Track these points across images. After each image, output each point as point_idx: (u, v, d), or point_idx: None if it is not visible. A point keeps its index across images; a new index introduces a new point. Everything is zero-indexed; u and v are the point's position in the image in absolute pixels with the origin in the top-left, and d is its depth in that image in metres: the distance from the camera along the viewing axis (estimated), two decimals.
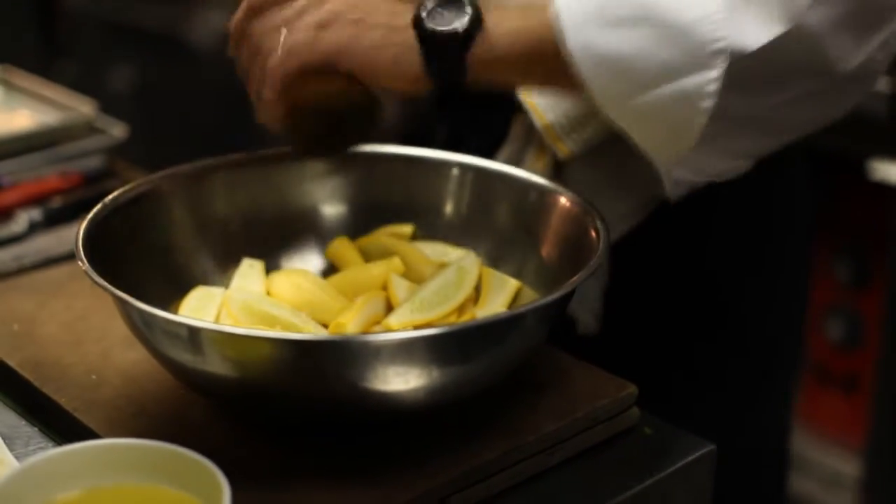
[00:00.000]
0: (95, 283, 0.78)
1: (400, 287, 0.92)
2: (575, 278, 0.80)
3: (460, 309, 0.90)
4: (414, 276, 0.94)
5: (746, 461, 1.18)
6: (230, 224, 0.97)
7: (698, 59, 0.84)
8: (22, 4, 2.92)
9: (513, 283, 0.92)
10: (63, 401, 0.85)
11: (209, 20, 2.62)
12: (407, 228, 1.00)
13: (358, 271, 0.95)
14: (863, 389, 1.98)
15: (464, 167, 0.99)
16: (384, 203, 1.01)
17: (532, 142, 1.04)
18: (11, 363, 0.90)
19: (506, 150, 1.06)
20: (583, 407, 0.84)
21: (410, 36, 0.88)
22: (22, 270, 1.07)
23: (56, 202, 1.20)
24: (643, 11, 0.85)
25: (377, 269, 0.94)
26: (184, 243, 0.94)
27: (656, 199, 1.02)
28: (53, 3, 2.97)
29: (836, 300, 2.01)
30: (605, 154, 1.01)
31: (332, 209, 1.01)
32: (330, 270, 0.98)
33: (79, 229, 0.84)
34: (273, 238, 0.99)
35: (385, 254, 0.96)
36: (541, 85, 0.97)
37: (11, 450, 0.82)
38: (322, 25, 0.88)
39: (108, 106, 1.44)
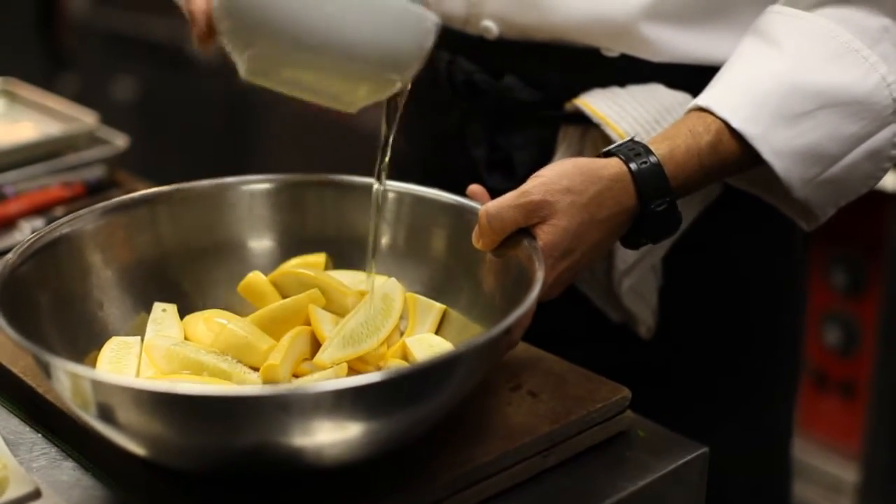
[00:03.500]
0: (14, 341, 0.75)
1: (324, 320, 0.89)
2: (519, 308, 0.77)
3: (389, 338, 0.88)
4: (335, 308, 0.91)
5: (748, 468, 1.19)
6: (136, 268, 0.93)
7: (884, 119, 0.92)
8: (25, 17, 2.94)
9: (437, 307, 0.91)
10: (66, 406, 0.85)
11: None
12: (319, 258, 0.96)
13: (278, 307, 0.91)
14: (860, 395, 1.99)
15: (399, 194, 0.95)
16: (310, 235, 0.97)
17: (584, 153, 1.03)
18: (15, 370, 0.91)
19: None
20: (578, 410, 0.85)
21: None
22: None
23: (59, 212, 1.22)
24: (818, 100, 0.91)
25: (298, 304, 0.90)
26: (89, 291, 0.89)
27: (710, 197, 1.05)
28: (57, 16, 2.99)
29: (833, 307, 2.01)
30: None
31: (255, 243, 0.97)
32: (245, 308, 0.94)
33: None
34: (183, 280, 0.95)
35: (301, 286, 0.92)
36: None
37: (15, 455, 0.83)
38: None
39: (110, 117, 1.46)
